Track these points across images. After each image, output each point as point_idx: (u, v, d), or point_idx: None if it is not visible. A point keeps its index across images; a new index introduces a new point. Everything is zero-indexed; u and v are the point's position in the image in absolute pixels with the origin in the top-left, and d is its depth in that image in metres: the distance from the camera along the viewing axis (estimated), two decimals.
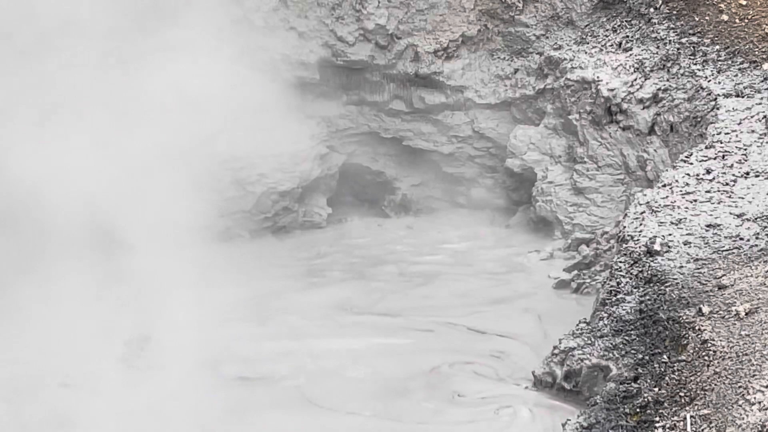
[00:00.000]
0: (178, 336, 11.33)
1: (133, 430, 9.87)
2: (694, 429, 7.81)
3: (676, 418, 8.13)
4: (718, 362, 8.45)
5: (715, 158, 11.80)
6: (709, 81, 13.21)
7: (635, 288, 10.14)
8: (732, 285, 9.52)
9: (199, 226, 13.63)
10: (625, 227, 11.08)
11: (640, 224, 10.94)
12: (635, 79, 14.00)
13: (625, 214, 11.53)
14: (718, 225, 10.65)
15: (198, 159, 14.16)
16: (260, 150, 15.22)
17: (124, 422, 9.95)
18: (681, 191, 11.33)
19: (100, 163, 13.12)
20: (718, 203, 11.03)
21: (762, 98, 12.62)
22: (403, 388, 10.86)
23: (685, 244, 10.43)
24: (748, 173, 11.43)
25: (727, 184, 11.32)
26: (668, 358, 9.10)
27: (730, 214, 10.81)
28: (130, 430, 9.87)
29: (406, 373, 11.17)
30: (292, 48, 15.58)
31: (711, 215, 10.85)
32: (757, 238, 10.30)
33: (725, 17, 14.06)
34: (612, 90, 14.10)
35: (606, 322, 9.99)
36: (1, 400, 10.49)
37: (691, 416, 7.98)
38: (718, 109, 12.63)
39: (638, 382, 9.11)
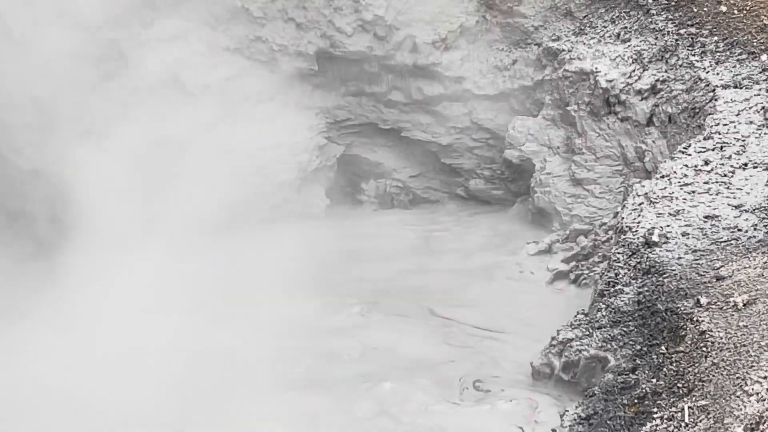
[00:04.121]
0: None
1: None
2: (692, 420, 7.83)
3: (674, 409, 8.15)
4: (716, 353, 8.46)
5: (713, 149, 11.80)
6: (707, 72, 13.20)
7: (633, 279, 10.16)
8: (730, 276, 9.53)
9: (197, 217, 13.67)
10: (623, 218, 11.09)
11: (639, 215, 10.95)
12: (633, 71, 14.00)
13: (624, 206, 11.53)
14: (716, 216, 10.65)
15: (196, 150, 14.18)
16: (259, 141, 15.23)
17: None
18: (679, 182, 11.34)
19: (98, 154, 13.12)
20: (716, 194, 11.04)
21: (760, 89, 12.62)
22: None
23: (683, 236, 10.44)
24: (746, 164, 11.43)
25: (725, 175, 11.32)
26: (666, 349, 9.12)
27: (728, 205, 10.82)
28: None
29: (400, 364, 11.25)
30: (290, 39, 15.55)
31: (709, 206, 10.85)
32: (755, 229, 10.31)
33: (723, 8, 14.05)
34: (610, 81, 14.09)
35: (604, 314, 10.01)
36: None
37: (689, 407, 8.00)
38: (716, 100, 12.63)
39: (636, 373, 9.13)
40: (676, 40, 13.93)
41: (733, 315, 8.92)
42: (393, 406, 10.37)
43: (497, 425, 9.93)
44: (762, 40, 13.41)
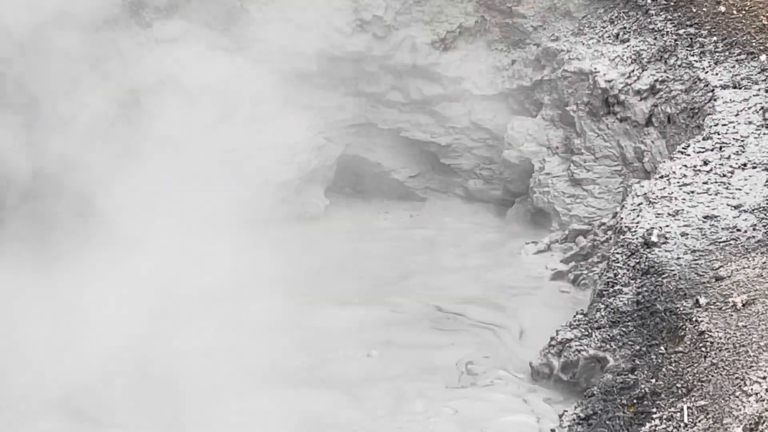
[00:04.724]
0: None
1: None
2: (691, 420, 7.84)
3: (673, 409, 8.16)
4: (715, 353, 8.47)
5: (712, 149, 11.81)
6: (706, 72, 13.21)
7: (632, 279, 10.17)
8: (729, 276, 9.55)
9: (196, 217, 13.67)
10: (622, 218, 11.10)
11: (638, 216, 10.96)
12: (632, 71, 14.00)
13: (623, 206, 11.55)
14: (716, 216, 10.67)
15: (195, 150, 14.16)
16: (258, 141, 15.21)
17: None
18: (678, 183, 11.35)
19: (97, 155, 13.12)
20: (716, 194, 11.05)
21: (759, 89, 12.63)
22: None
23: (682, 236, 10.46)
24: (745, 164, 11.45)
25: (724, 175, 11.33)
26: (665, 349, 9.13)
27: (728, 205, 10.84)
28: None
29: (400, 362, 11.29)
30: (289, 39, 15.53)
31: (708, 206, 10.87)
32: (754, 229, 10.32)
33: (723, 8, 14.06)
34: (609, 81, 14.10)
35: (603, 314, 10.02)
36: None
37: (688, 407, 8.01)
38: (715, 100, 12.64)
39: (635, 373, 9.14)
40: (675, 40, 13.94)
41: (732, 315, 8.93)
42: (396, 402, 10.40)
43: (497, 419, 9.97)
44: (761, 40, 13.42)
